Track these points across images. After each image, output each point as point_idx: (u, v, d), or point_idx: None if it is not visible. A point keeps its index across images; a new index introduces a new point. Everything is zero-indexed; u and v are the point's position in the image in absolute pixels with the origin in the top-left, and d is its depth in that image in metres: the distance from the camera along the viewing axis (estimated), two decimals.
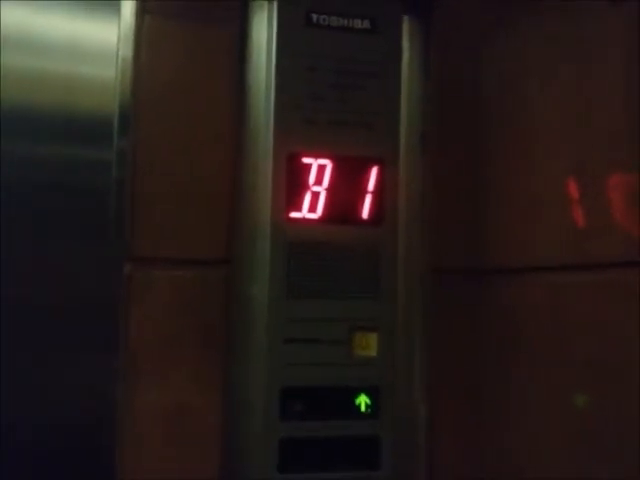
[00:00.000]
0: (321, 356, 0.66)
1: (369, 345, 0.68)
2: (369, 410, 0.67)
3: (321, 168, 0.68)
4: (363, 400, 0.67)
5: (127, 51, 0.66)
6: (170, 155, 0.65)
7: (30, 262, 0.64)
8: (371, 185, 0.69)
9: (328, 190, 0.68)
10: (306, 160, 0.67)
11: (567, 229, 0.59)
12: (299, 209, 0.67)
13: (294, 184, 0.67)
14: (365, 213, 0.69)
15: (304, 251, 0.67)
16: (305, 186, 0.67)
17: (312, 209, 0.68)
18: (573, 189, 0.59)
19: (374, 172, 0.69)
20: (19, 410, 0.63)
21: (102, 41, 0.68)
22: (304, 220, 0.67)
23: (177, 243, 0.65)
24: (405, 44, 0.71)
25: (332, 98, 0.68)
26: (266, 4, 0.68)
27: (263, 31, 0.68)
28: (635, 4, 0.52)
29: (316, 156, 0.68)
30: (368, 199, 0.69)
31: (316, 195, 0.68)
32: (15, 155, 0.65)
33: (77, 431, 0.65)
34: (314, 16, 0.68)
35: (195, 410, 0.64)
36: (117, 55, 0.66)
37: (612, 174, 0.54)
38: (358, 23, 0.69)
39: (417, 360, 0.70)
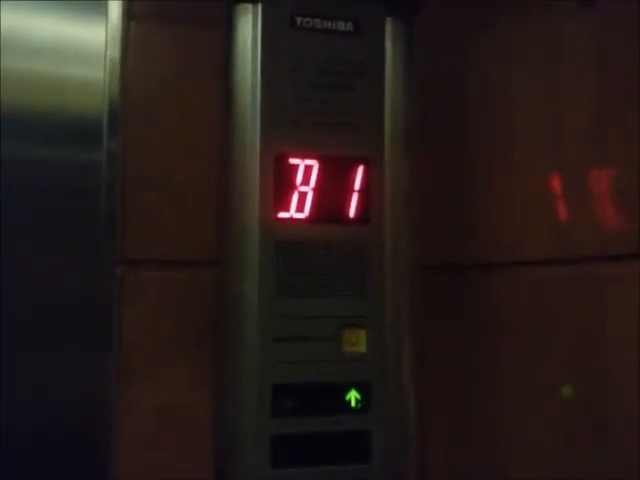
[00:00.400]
0: (311, 353, 0.68)
1: (358, 341, 0.69)
2: (359, 405, 0.68)
3: (308, 168, 0.69)
4: (353, 395, 0.68)
5: (115, 52, 0.66)
6: (159, 157, 0.66)
7: (23, 264, 0.65)
8: (357, 184, 0.70)
9: (315, 190, 0.69)
10: (293, 161, 0.69)
11: (548, 225, 0.60)
12: (287, 209, 0.68)
13: (281, 184, 0.68)
14: (352, 212, 0.70)
15: (293, 250, 0.68)
16: (292, 186, 0.69)
17: (300, 209, 0.69)
18: (553, 186, 0.60)
19: (360, 171, 0.70)
20: (12, 410, 0.63)
21: (90, 43, 0.68)
22: (292, 220, 0.68)
23: (168, 244, 0.66)
24: (388, 45, 0.72)
25: (317, 99, 0.69)
26: (250, 7, 0.69)
27: (248, 34, 0.69)
28: (604, 5, 0.53)
29: (303, 156, 0.69)
30: (354, 198, 0.70)
31: (303, 195, 0.69)
32: (6, 157, 0.65)
33: (71, 431, 0.65)
34: (298, 19, 0.69)
35: (188, 409, 0.65)
36: (105, 57, 0.67)
37: (589, 171, 0.55)
38: (342, 25, 0.70)
39: (406, 356, 0.72)
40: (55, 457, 0.64)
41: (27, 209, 0.65)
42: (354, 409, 0.68)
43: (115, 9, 0.67)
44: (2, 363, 0.62)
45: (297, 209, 0.69)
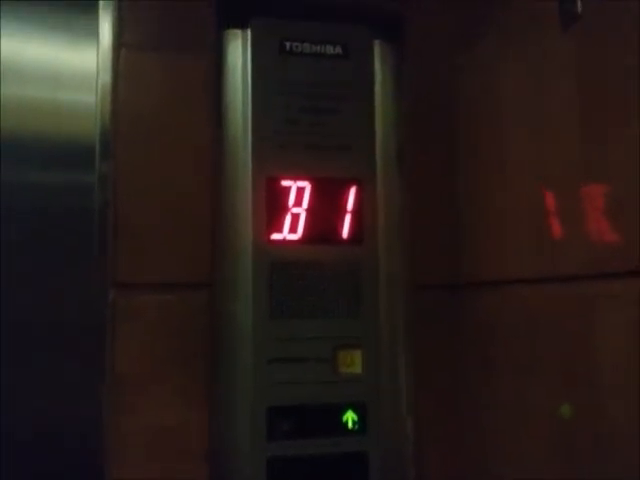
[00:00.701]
0: (306, 375, 0.67)
1: (353, 362, 0.69)
2: (356, 426, 0.68)
3: (300, 190, 0.70)
4: (350, 417, 0.68)
5: (106, 78, 0.67)
6: (150, 181, 0.67)
7: (19, 284, 0.66)
8: (350, 205, 0.71)
9: (308, 211, 0.70)
10: (285, 183, 0.69)
11: (538, 242, 0.60)
12: (280, 230, 0.69)
13: (274, 206, 0.69)
14: (345, 233, 0.70)
15: (286, 271, 0.68)
16: (285, 208, 0.69)
17: (293, 230, 0.69)
18: (543, 203, 0.60)
19: (352, 192, 0.71)
20: (9, 429, 0.63)
21: (84, 69, 0.69)
22: (285, 241, 0.69)
23: (160, 268, 0.66)
24: (377, 66, 0.73)
25: (308, 122, 0.70)
26: (240, 33, 0.70)
27: (238, 59, 0.70)
28: (587, 22, 0.54)
29: (294, 179, 0.69)
30: (347, 219, 0.70)
31: (296, 217, 0.69)
32: (3, 180, 0.66)
33: (65, 449, 0.65)
34: (287, 44, 0.70)
35: (182, 431, 0.65)
36: (97, 83, 0.68)
37: (577, 188, 0.55)
38: (330, 49, 0.71)
39: (402, 375, 0.71)
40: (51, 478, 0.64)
41: (24, 233, 0.66)
42: (351, 430, 0.68)
43: (106, 36, 0.68)
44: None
45: (290, 230, 0.69)
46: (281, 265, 0.68)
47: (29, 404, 0.64)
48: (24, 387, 0.64)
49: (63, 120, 0.69)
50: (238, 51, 0.70)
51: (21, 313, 0.65)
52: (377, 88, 0.73)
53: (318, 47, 0.71)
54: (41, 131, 0.68)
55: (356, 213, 0.70)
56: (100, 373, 0.64)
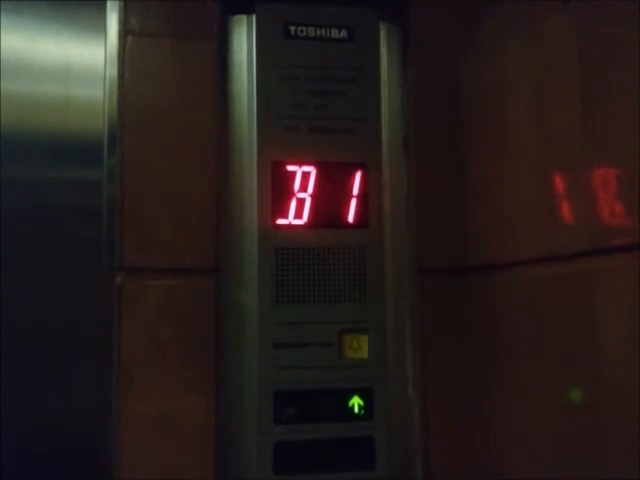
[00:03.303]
0: (312, 359, 0.67)
1: (360, 347, 0.68)
2: (362, 411, 0.67)
3: (305, 175, 0.69)
4: (356, 402, 0.68)
5: (113, 71, 0.68)
6: (156, 167, 0.67)
7: (26, 275, 0.67)
8: (355, 189, 0.70)
9: (313, 196, 0.69)
10: (290, 168, 0.69)
11: (543, 223, 0.60)
12: (285, 216, 0.69)
13: (279, 191, 0.69)
14: (351, 217, 0.70)
15: (292, 256, 0.68)
16: (290, 193, 0.69)
17: (298, 215, 0.69)
18: (546, 184, 0.60)
19: (358, 177, 0.70)
20: (14, 421, 0.64)
21: (91, 63, 0.70)
22: (290, 226, 0.69)
23: (166, 253, 0.66)
24: (383, 50, 0.73)
25: (313, 106, 0.70)
26: (245, 18, 0.71)
27: (243, 45, 0.70)
28: (586, 3, 0.53)
29: (300, 163, 0.69)
30: (353, 203, 0.70)
31: (301, 201, 0.69)
32: (13, 176, 0.67)
33: (73, 440, 0.66)
34: (292, 28, 0.70)
35: (189, 416, 0.65)
36: (105, 75, 0.68)
37: (579, 166, 0.54)
38: (335, 32, 0.71)
39: (408, 360, 0.71)
40: (57, 467, 0.64)
41: (34, 226, 0.67)
42: (357, 415, 0.67)
43: (113, 27, 0.68)
44: (3, 375, 0.64)
45: (295, 215, 0.69)
46: (286, 250, 0.68)
47: (33, 394, 0.65)
48: (28, 378, 0.65)
49: (71, 115, 0.70)
50: (243, 36, 0.70)
51: (26, 306, 0.66)
52: (382, 71, 0.72)
53: (323, 31, 0.71)
54: (50, 126, 0.69)
55: (362, 197, 0.70)
56: (106, 361, 0.65)
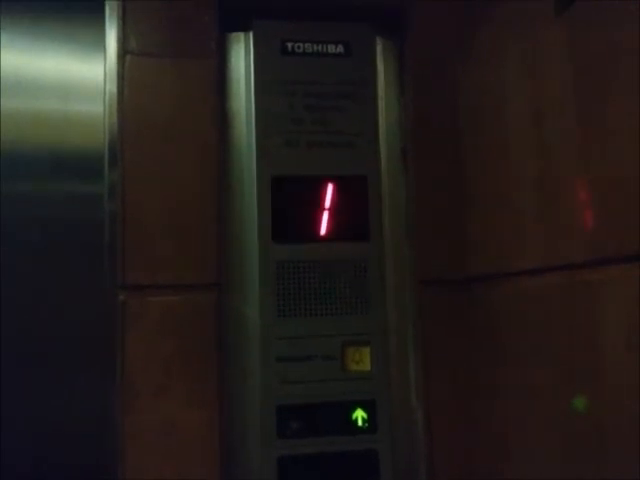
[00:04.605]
0: (315, 372, 0.67)
1: (362, 359, 0.68)
2: (366, 424, 0.67)
3: (305, 189, 0.70)
4: (359, 415, 0.68)
5: (113, 87, 0.68)
6: (157, 184, 0.67)
7: (29, 293, 0.67)
8: (355, 203, 0.71)
9: (313, 210, 0.70)
10: (290, 182, 0.69)
11: (543, 232, 0.60)
12: (286, 229, 0.69)
13: (280, 206, 0.69)
14: (351, 230, 0.70)
15: (293, 270, 0.68)
16: (290, 207, 0.69)
17: (299, 229, 0.69)
18: (545, 193, 0.60)
19: (357, 190, 0.71)
20: (19, 437, 0.64)
21: (91, 80, 0.71)
22: (291, 240, 0.69)
23: (168, 269, 0.67)
24: (380, 64, 0.74)
25: (311, 121, 0.71)
26: (242, 35, 0.71)
27: (241, 61, 0.71)
28: (579, 9, 0.54)
29: (299, 178, 0.70)
30: (353, 216, 0.70)
31: (302, 215, 0.70)
32: (14, 193, 0.68)
33: (78, 457, 0.66)
34: (289, 44, 0.71)
35: (192, 432, 0.65)
36: (104, 92, 0.69)
37: (574, 178, 0.55)
38: (332, 48, 0.72)
39: (411, 371, 0.71)
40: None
41: (35, 241, 0.68)
42: (360, 428, 0.67)
43: (112, 45, 0.69)
44: (7, 390, 0.64)
45: (296, 229, 0.69)
46: (288, 263, 0.68)
47: (36, 406, 0.66)
48: (32, 390, 0.66)
49: (72, 131, 0.71)
50: (241, 53, 0.71)
51: (28, 320, 0.66)
52: (379, 85, 0.73)
53: (320, 46, 0.71)
54: (50, 142, 0.70)
55: (362, 210, 0.70)
56: (109, 376, 0.65)
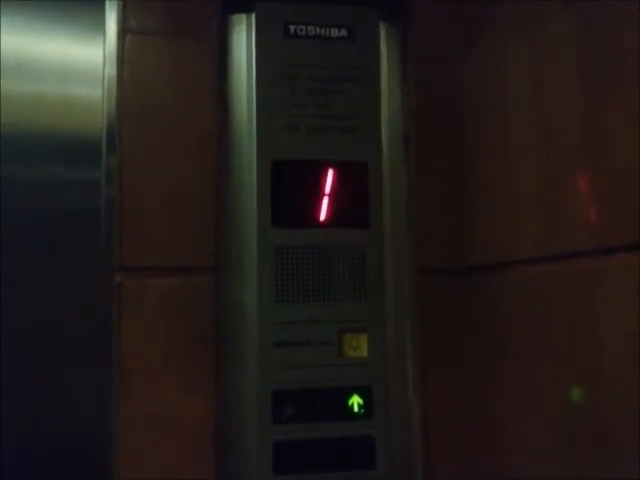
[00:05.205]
0: (312, 358, 0.67)
1: (359, 346, 0.68)
2: (362, 410, 0.67)
3: (306, 174, 0.69)
4: (356, 401, 0.67)
5: (112, 70, 0.68)
6: (156, 166, 0.67)
7: (28, 278, 0.66)
8: (356, 188, 0.70)
9: (313, 195, 0.69)
10: (290, 167, 0.69)
11: (544, 221, 0.60)
12: (285, 215, 0.68)
13: (279, 190, 0.68)
14: (350, 216, 0.70)
15: (292, 255, 0.68)
16: (290, 192, 0.69)
17: (298, 214, 0.69)
18: (547, 182, 0.60)
19: (358, 176, 0.70)
20: (13, 424, 0.64)
21: (90, 62, 0.70)
22: (290, 225, 0.68)
23: (166, 252, 0.66)
24: (383, 49, 0.73)
25: (313, 105, 0.70)
26: (244, 17, 0.70)
27: (242, 44, 0.70)
28: (586, 4, 0.53)
29: (300, 162, 0.69)
30: (353, 203, 0.70)
31: (301, 200, 0.69)
32: (14, 177, 0.67)
33: (72, 445, 0.66)
34: (292, 27, 0.70)
35: (188, 417, 0.65)
36: (103, 74, 0.68)
37: (577, 167, 0.54)
38: (335, 32, 0.71)
39: (408, 358, 0.71)
40: (56, 472, 0.64)
41: (34, 225, 0.67)
42: (357, 414, 0.67)
43: (112, 27, 0.68)
44: (11, 369, 0.64)
45: (295, 214, 0.69)
46: (286, 249, 0.68)
47: (32, 394, 0.65)
48: (27, 378, 0.65)
49: (72, 114, 0.70)
50: (243, 35, 0.70)
51: (25, 307, 0.66)
52: (382, 71, 0.72)
53: (323, 30, 0.71)
54: (49, 126, 0.69)
55: (362, 197, 0.70)
56: (105, 361, 0.65)
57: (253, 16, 0.70)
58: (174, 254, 0.66)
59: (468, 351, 0.70)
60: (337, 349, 0.68)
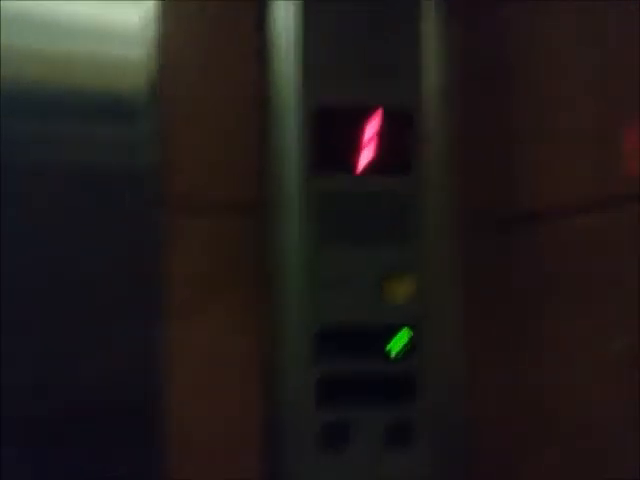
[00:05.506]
0: (356, 299, 0.68)
1: (402, 288, 0.69)
2: (405, 350, 0.68)
3: (350, 121, 0.70)
4: (399, 340, 0.68)
5: (151, 31, 0.68)
6: (197, 121, 0.68)
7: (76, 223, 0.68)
8: (398, 136, 0.71)
9: (357, 142, 0.70)
10: (332, 113, 0.69)
11: (592, 170, 0.59)
12: (328, 162, 0.69)
13: (321, 137, 0.69)
14: (393, 163, 0.70)
15: (336, 201, 0.69)
16: (332, 139, 0.70)
17: (342, 160, 0.70)
18: (597, 131, 0.59)
19: (401, 122, 0.71)
20: (62, 368, 0.65)
21: (128, 20, 0.71)
22: (335, 171, 0.69)
23: (212, 193, 0.68)
24: None
25: (355, 53, 0.70)
26: None
27: None
28: None
29: (342, 109, 0.70)
30: (396, 150, 0.70)
31: (343, 147, 0.70)
32: (47, 137, 0.68)
33: (120, 387, 0.67)
34: None
35: (231, 354, 0.67)
36: (142, 34, 0.69)
37: (633, 114, 0.54)
38: None
39: (451, 304, 0.71)
40: (106, 413, 0.65)
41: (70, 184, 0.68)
42: (399, 354, 0.68)
43: None
44: (55, 314, 0.65)
45: (339, 161, 0.70)
46: (330, 196, 0.69)
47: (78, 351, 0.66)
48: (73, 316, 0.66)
49: (108, 74, 0.70)
50: None
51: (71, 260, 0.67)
52: (428, 19, 0.72)
53: None
54: (85, 85, 0.70)
55: (405, 144, 0.70)
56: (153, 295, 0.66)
57: None
58: (221, 195, 0.68)
59: (511, 297, 0.71)
60: (379, 290, 0.69)
